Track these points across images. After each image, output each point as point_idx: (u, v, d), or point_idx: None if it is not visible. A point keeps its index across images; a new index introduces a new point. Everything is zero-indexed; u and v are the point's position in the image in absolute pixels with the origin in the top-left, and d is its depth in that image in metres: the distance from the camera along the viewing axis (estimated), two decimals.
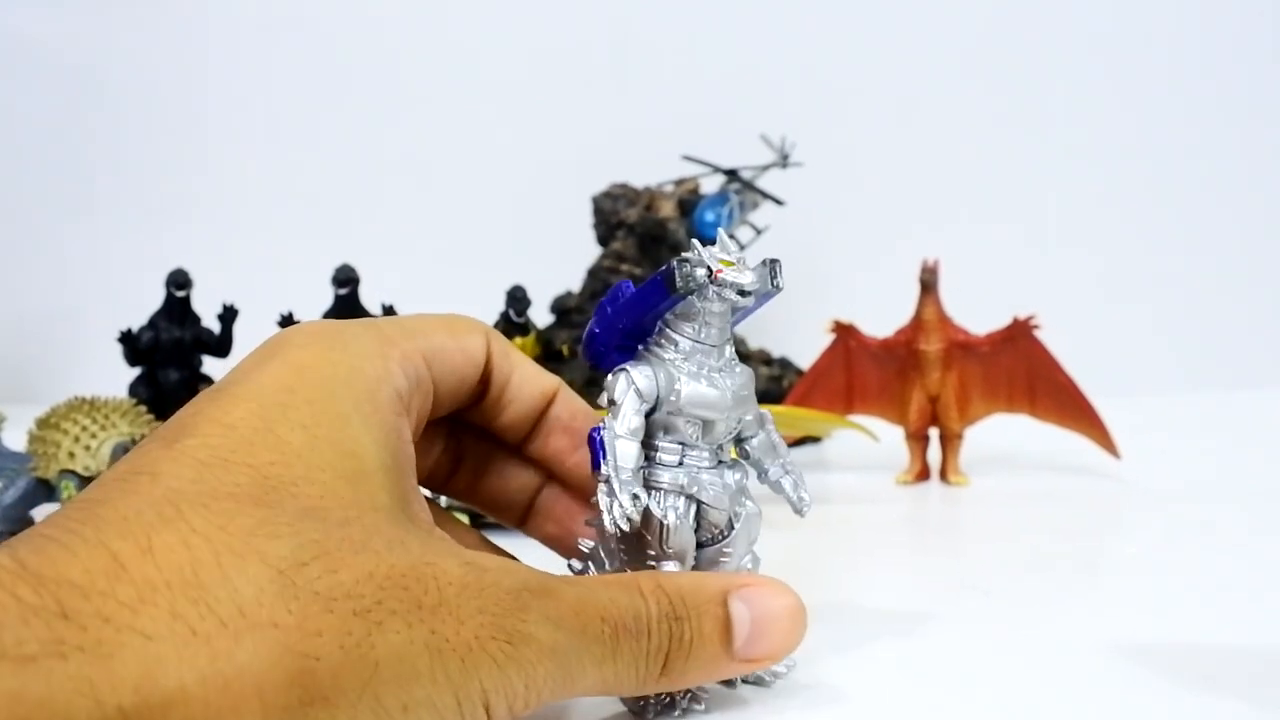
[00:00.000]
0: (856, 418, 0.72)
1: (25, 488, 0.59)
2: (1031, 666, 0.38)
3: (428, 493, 0.39)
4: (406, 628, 0.27)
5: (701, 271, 0.34)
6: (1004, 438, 0.75)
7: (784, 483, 0.38)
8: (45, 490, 0.59)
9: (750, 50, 1.16)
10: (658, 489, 0.36)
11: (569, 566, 0.39)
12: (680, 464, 0.36)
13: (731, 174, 0.91)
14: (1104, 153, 1.14)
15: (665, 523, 0.35)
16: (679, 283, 0.34)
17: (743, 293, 0.34)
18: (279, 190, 1.20)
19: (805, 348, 0.78)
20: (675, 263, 0.34)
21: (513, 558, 0.34)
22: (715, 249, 0.35)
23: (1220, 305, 1.12)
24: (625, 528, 0.34)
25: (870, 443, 0.71)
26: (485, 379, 0.38)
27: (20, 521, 0.58)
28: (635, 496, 0.34)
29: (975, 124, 1.14)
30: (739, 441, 0.38)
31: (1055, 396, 0.70)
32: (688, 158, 0.92)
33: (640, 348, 0.37)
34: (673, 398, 0.35)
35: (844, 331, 0.72)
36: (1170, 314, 1.12)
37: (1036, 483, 0.70)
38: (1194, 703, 0.34)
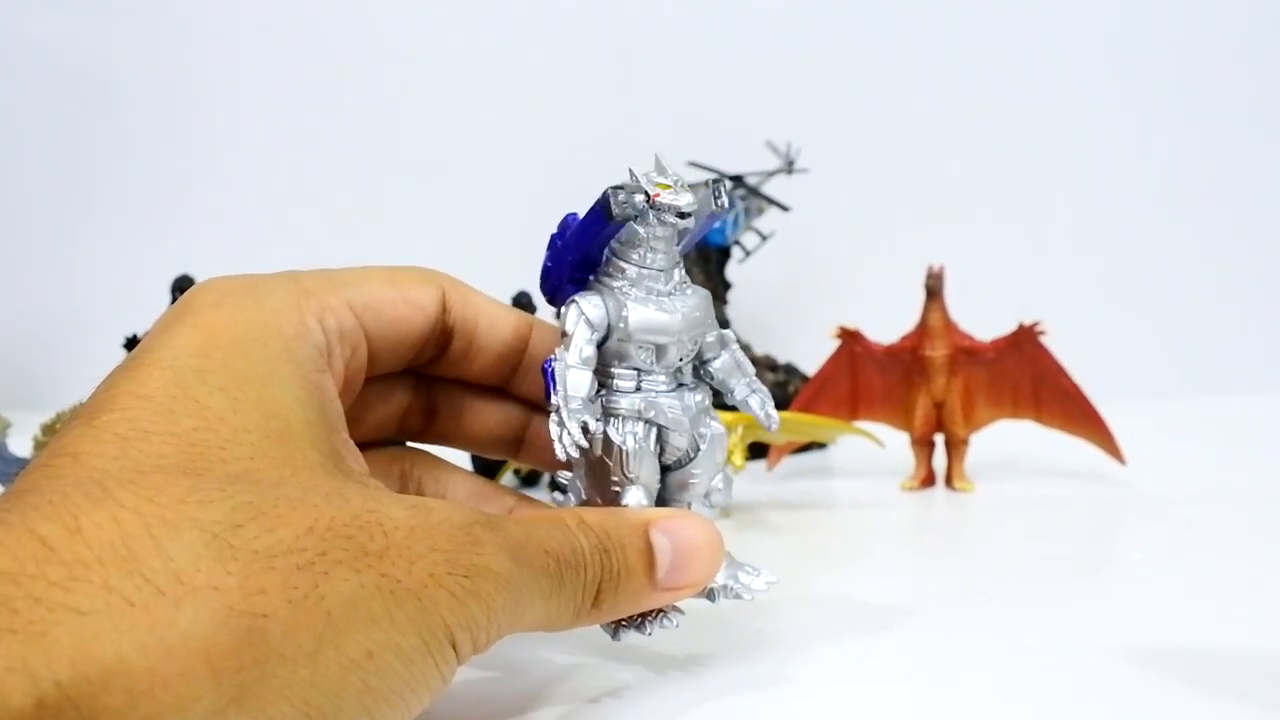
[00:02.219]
0: (862, 423, 0.72)
1: None
2: (1036, 671, 0.38)
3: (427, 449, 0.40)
4: (355, 574, 0.26)
5: (639, 197, 0.35)
6: (1009, 444, 0.75)
7: (751, 401, 0.38)
8: None
9: (756, 56, 1.16)
10: (616, 415, 0.36)
11: (553, 499, 0.39)
12: (637, 389, 0.36)
13: (737, 180, 0.91)
14: (1109, 158, 1.14)
15: (624, 448, 0.36)
16: (615, 210, 0.35)
17: (681, 214, 0.35)
18: (284, 194, 1.21)
19: (810, 354, 0.78)
20: (611, 190, 0.35)
21: None
22: (653, 172, 0.36)
23: (1226, 310, 1.12)
24: (575, 454, 0.34)
25: (875, 448, 0.71)
26: (447, 330, 0.37)
27: None
28: (585, 425, 0.34)
29: (980, 130, 1.14)
30: (702, 363, 0.38)
31: (1060, 402, 0.70)
32: (693, 163, 0.92)
33: (590, 278, 0.37)
34: (622, 325, 0.36)
35: (849, 337, 0.72)
36: (1176, 319, 1.12)
37: (1042, 488, 0.70)
38: (1198, 707, 0.34)
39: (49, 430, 0.60)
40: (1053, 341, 0.69)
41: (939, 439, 0.72)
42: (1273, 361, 1.09)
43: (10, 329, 1.22)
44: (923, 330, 0.70)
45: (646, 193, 0.35)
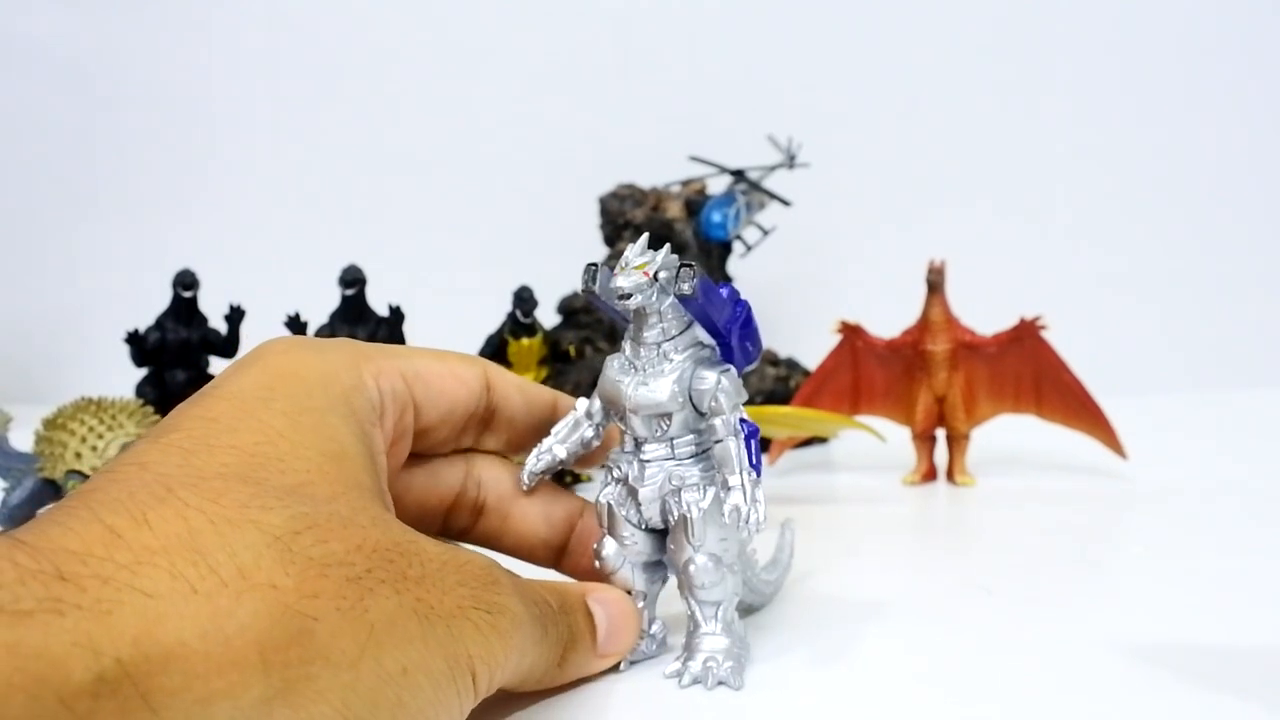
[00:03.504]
0: (863, 418, 0.72)
1: (32, 488, 0.59)
2: (1037, 665, 0.38)
3: None
4: (395, 594, 0.28)
5: (585, 275, 0.37)
6: (1010, 438, 0.75)
7: (724, 496, 0.37)
8: (52, 491, 0.59)
9: (757, 51, 1.16)
10: (609, 470, 0.39)
11: None
12: (631, 450, 0.38)
13: (738, 174, 0.91)
14: (1110, 153, 1.14)
15: (599, 502, 0.39)
16: (581, 284, 0.38)
17: (621, 296, 0.36)
18: (286, 190, 1.21)
19: (812, 348, 0.78)
20: (585, 266, 0.38)
21: None
22: (628, 252, 0.37)
23: (1227, 304, 1.12)
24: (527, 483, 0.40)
25: (877, 443, 0.71)
26: (490, 408, 0.40)
27: (27, 522, 0.58)
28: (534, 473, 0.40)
29: (982, 125, 1.14)
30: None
31: (1062, 397, 0.70)
32: (695, 158, 0.92)
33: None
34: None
35: (851, 332, 0.72)
36: (1177, 314, 1.12)
37: (1043, 483, 0.70)
38: (1200, 701, 0.34)
39: (50, 425, 0.60)
40: (1054, 336, 0.69)
41: (940, 433, 0.72)
42: (1274, 356, 1.09)
43: (11, 325, 1.22)
44: (924, 325, 0.70)
45: (593, 272, 0.37)
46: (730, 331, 0.38)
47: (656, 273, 0.36)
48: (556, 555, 0.42)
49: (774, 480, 0.72)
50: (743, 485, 0.36)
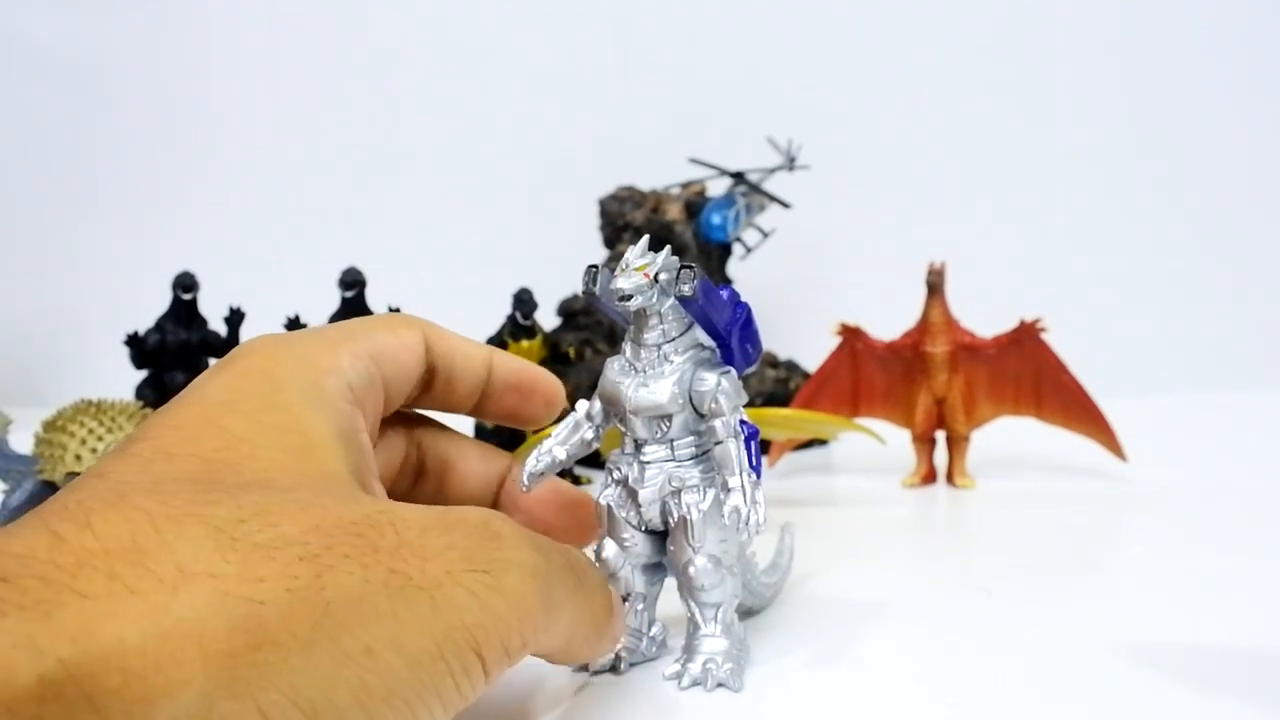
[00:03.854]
0: (863, 420, 0.72)
1: (32, 490, 0.59)
2: (1037, 667, 0.38)
3: None
4: (361, 569, 0.26)
5: (585, 276, 0.38)
6: (1010, 440, 0.75)
7: (723, 498, 0.37)
8: (52, 493, 0.59)
9: (757, 53, 1.16)
10: (610, 472, 0.39)
11: None
12: (631, 452, 0.39)
13: (738, 176, 0.91)
14: (1110, 155, 1.14)
15: (599, 504, 0.39)
16: (582, 286, 0.38)
17: (622, 297, 0.36)
18: (285, 192, 1.21)
19: (812, 350, 0.78)
20: (586, 268, 0.38)
21: None
22: (628, 254, 0.37)
23: (1226, 305, 1.12)
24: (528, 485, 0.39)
25: (876, 445, 0.71)
26: (430, 367, 0.38)
27: None
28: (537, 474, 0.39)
29: (982, 127, 1.14)
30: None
31: (1061, 399, 0.70)
32: (695, 160, 0.92)
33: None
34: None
35: (850, 334, 0.72)
36: (1177, 315, 1.12)
37: (1043, 485, 0.70)
38: (1199, 703, 0.34)
39: (50, 427, 0.60)
40: (1054, 338, 0.69)
41: (940, 435, 0.72)
42: (1274, 357, 1.09)
43: (11, 326, 1.22)
44: (924, 327, 0.70)
45: (594, 274, 0.38)
46: (730, 333, 0.38)
47: (657, 274, 0.36)
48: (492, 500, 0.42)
49: (773, 482, 0.72)
50: (743, 487, 0.36)
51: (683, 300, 0.36)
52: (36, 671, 0.21)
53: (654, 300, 0.36)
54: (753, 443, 0.36)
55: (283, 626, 0.24)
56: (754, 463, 0.36)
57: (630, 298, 0.36)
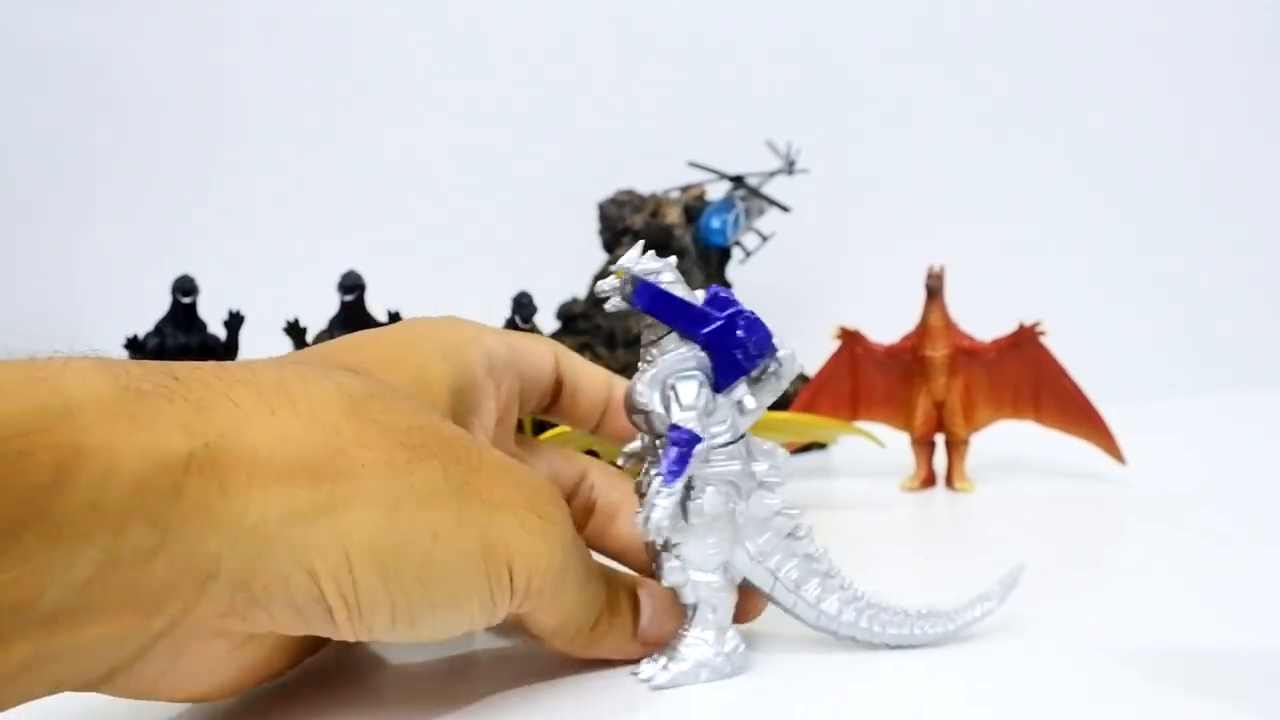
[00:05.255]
0: (862, 424, 0.72)
1: None
2: (1035, 670, 0.38)
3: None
4: (442, 469, 0.32)
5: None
6: (1009, 444, 0.75)
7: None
8: None
9: (756, 56, 1.16)
10: None
11: None
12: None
13: (738, 180, 0.91)
14: (1108, 159, 1.14)
15: None
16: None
17: (598, 300, 0.37)
18: (285, 195, 1.21)
19: (811, 354, 0.78)
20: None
21: None
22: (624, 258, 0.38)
23: (1225, 309, 1.12)
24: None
25: (876, 449, 0.71)
26: (559, 379, 0.42)
27: None
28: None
29: (980, 130, 1.14)
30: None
31: (1060, 402, 0.70)
32: (694, 164, 0.92)
33: None
34: None
35: (850, 338, 0.72)
36: (1176, 319, 1.12)
37: (1042, 488, 0.70)
38: (1195, 707, 0.34)
39: None
40: (1053, 342, 0.69)
41: (939, 439, 0.72)
42: (1272, 361, 1.09)
43: (10, 328, 1.21)
44: (923, 330, 0.70)
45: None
46: (708, 340, 0.37)
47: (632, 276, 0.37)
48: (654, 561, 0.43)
49: None
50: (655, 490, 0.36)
51: (643, 308, 0.37)
52: (189, 448, 0.27)
53: (624, 303, 0.37)
54: (678, 448, 0.36)
55: (376, 488, 0.30)
56: (674, 467, 0.35)
57: (607, 299, 0.37)
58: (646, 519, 0.35)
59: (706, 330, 0.37)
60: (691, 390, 0.36)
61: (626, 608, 0.38)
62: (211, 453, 0.28)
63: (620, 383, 0.43)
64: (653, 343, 0.37)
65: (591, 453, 0.46)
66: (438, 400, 0.36)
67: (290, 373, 0.31)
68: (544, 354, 0.42)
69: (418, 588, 0.30)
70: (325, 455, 0.30)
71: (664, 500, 0.35)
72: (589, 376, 0.43)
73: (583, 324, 0.84)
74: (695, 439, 0.36)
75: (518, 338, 0.41)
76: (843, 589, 0.40)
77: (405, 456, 0.31)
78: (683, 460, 0.36)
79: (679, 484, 0.36)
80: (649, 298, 0.37)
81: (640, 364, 0.38)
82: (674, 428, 0.36)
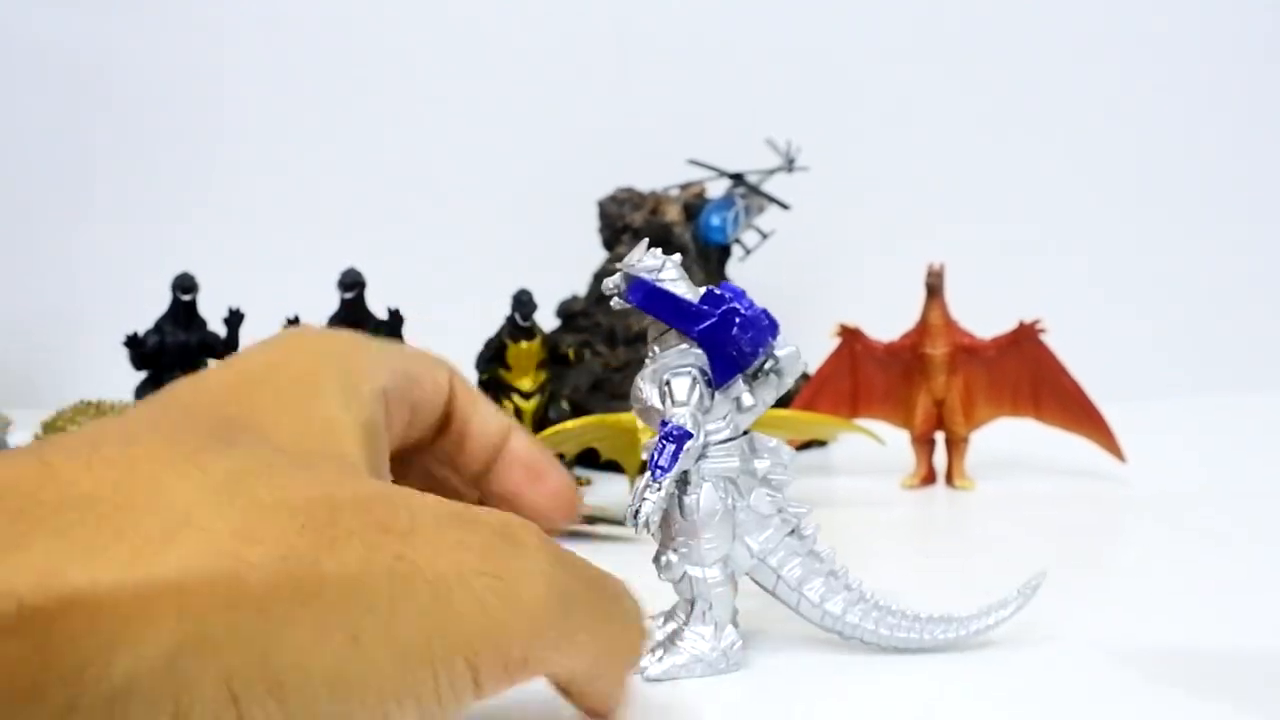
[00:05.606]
0: (862, 421, 0.72)
1: None
2: (1035, 668, 0.38)
3: None
4: (366, 549, 0.24)
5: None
6: (1009, 442, 0.75)
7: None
8: None
9: (756, 54, 1.16)
10: None
11: None
12: None
13: (737, 178, 0.91)
14: (1109, 157, 1.14)
15: None
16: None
17: (602, 297, 0.37)
18: (285, 193, 1.20)
19: (811, 352, 0.77)
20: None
21: None
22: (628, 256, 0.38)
23: (1226, 308, 1.12)
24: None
25: (876, 446, 0.71)
26: (448, 413, 0.37)
27: None
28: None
29: (981, 128, 1.14)
30: None
31: (1061, 400, 0.70)
32: (694, 162, 0.92)
33: None
34: None
35: (849, 335, 0.72)
36: (1176, 317, 1.12)
37: (1042, 486, 0.70)
38: (1195, 706, 0.34)
39: (49, 427, 0.60)
40: (1053, 339, 0.69)
41: (939, 437, 0.72)
42: (1272, 361, 1.09)
43: (10, 328, 1.22)
44: (923, 328, 0.70)
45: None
46: (700, 337, 0.37)
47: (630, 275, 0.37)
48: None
49: None
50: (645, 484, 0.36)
51: (638, 305, 0.37)
52: None
53: (625, 301, 0.38)
54: (669, 444, 0.36)
55: (269, 594, 0.23)
56: (663, 463, 0.36)
57: (611, 297, 0.38)
58: (635, 513, 0.35)
59: (699, 328, 0.37)
60: (684, 386, 0.37)
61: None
62: (28, 608, 0.20)
63: (522, 437, 0.38)
64: (655, 339, 0.38)
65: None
66: (346, 450, 0.29)
67: (141, 466, 0.24)
68: (439, 385, 0.36)
69: (332, 707, 0.23)
70: (194, 574, 0.22)
71: (652, 495, 0.35)
72: (482, 419, 0.37)
73: (583, 321, 0.84)
74: (686, 435, 0.36)
75: (413, 360, 0.35)
76: (848, 589, 0.40)
77: (309, 543, 0.23)
78: (673, 456, 0.36)
79: (668, 479, 0.36)
80: (642, 295, 0.37)
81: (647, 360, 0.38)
82: (664, 423, 0.36)
